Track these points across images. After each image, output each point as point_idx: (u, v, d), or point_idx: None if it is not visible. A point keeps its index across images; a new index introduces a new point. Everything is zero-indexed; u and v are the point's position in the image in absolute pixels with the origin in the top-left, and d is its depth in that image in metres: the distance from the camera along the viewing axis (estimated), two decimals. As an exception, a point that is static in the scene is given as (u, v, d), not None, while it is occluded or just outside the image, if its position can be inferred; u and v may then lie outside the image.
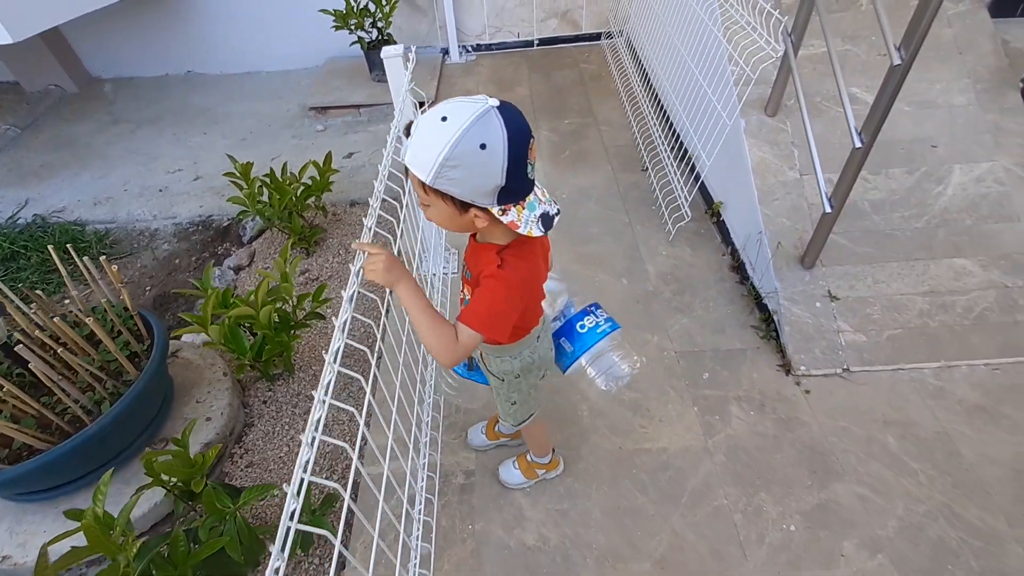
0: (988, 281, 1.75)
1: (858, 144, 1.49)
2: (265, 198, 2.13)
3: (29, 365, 1.23)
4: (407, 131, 0.80)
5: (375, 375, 1.01)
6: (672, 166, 2.43)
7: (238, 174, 2.07)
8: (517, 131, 0.75)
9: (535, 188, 0.84)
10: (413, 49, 1.52)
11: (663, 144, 2.57)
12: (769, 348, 1.78)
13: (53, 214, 2.65)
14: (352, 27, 3.09)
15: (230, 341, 1.54)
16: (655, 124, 2.72)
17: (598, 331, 1.15)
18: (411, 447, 1.28)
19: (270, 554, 1.38)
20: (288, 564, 1.37)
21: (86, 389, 1.37)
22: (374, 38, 3.20)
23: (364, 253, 0.94)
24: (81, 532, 1.04)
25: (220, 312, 1.55)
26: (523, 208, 0.82)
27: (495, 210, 0.80)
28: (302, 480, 0.68)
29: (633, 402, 1.66)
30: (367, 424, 1.19)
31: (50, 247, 1.44)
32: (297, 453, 1.65)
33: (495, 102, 0.75)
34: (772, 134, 2.02)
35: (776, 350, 1.77)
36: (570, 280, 2.03)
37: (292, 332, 1.65)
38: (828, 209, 1.64)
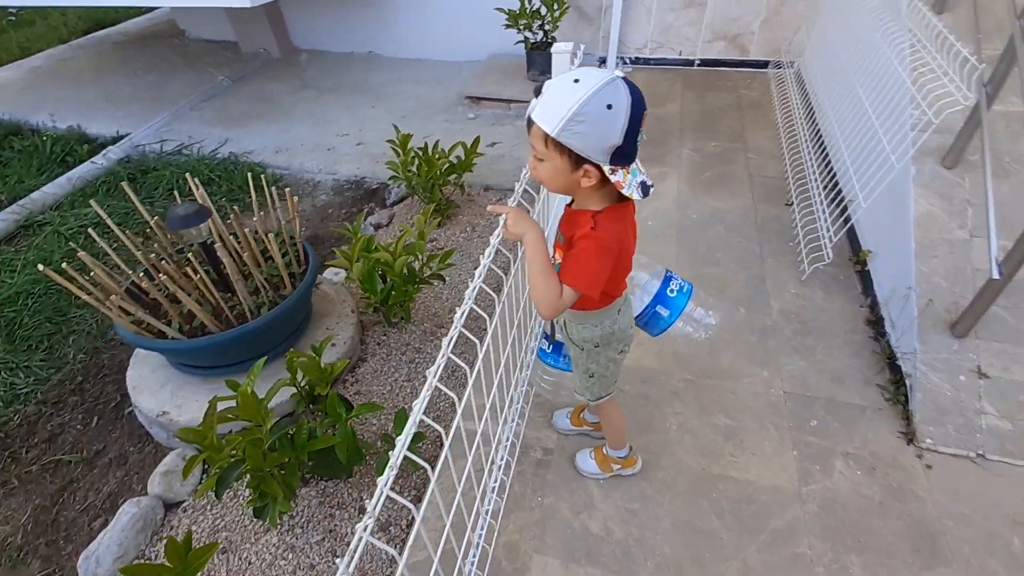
0: None
1: (1052, 207, 1.32)
2: (414, 168, 2.36)
3: (220, 265, 1.50)
4: (537, 92, 0.89)
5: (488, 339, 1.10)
6: (822, 204, 2.29)
7: (398, 143, 2.32)
8: (639, 99, 0.84)
9: (637, 159, 0.92)
10: (581, 48, 1.61)
11: (816, 180, 2.44)
12: (893, 412, 1.63)
13: (244, 154, 3.15)
14: (521, 27, 3.29)
15: (366, 281, 1.74)
16: (811, 159, 2.58)
17: (684, 291, 1.25)
18: (503, 412, 1.37)
19: (364, 462, 1.53)
20: (374, 481, 1.53)
21: (253, 293, 1.63)
22: (539, 39, 3.38)
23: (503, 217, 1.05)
24: (234, 402, 1.26)
25: (363, 255, 1.76)
26: (628, 172, 0.89)
27: (606, 168, 0.87)
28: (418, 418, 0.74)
29: (728, 429, 1.61)
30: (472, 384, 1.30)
31: (248, 174, 1.74)
32: (397, 394, 1.81)
33: (621, 73, 0.84)
34: (946, 187, 1.85)
35: (901, 416, 1.62)
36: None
37: (416, 286, 1.82)
38: (996, 275, 1.47)
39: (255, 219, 1.59)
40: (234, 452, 1.18)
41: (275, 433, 1.23)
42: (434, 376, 0.67)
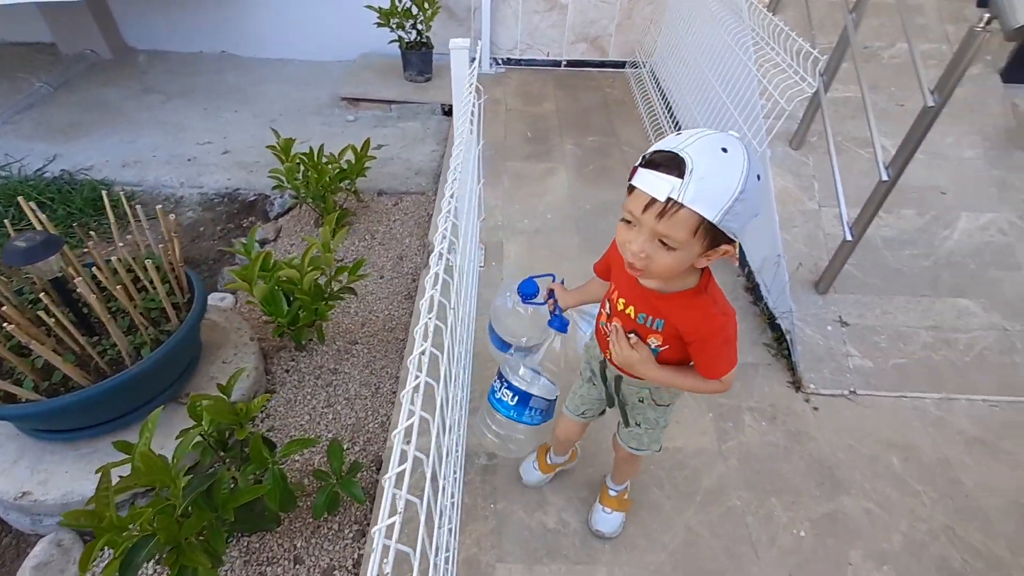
0: (989, 323, 1.86)
1: (885, 177, 1.59)
2: (302, 176, 2.17)
3: (79, 303, 1.24)
4: (652, 164, 0.72)
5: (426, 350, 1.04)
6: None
7: (279, 148, 2.11)
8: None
9: None
10: (480, 43, 1.59)
11: (685, 168, 2.68)
12: (780, 366, 1.86)
13: (80, 171, 2.65)
14: (394, 26, 3.18)
15: (270, 302, 1.56)
16: (678, 149, 2.83)
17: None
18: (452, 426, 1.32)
19: (298, 508, 1.37)
20: (309, 526, 1.38)
21: (127, 332, 1.38)
22: (413, 39, 3.30)
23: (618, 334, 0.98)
24: (128, 465, 1.05)
25: (261, 275, 1.58)
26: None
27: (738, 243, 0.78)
28: (403, 451, 0.65)
29: (651, 403, 1.71)
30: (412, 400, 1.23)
31: (104, 193, 1.46)
32: (317, 423, 1.66)
33: (735, 134, 0.73)
34: (795, 166, 2.14)
35: (787, 368, 1.84)
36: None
37: (328, 302, 1.68)
38: (849, 237, 1.74)
39: (121, 244, 1.34)
40: (139, 528, 0.98)
41: (190, 492, 1.05)
42: (408, 401, 0.61)
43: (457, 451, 1.40)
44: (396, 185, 2.72)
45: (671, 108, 3.13)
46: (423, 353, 0.64)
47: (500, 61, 3.93)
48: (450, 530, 1.21)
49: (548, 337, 1.26)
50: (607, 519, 1.38)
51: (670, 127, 3.01)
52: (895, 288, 1.91)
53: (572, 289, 1.24)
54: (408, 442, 0.55)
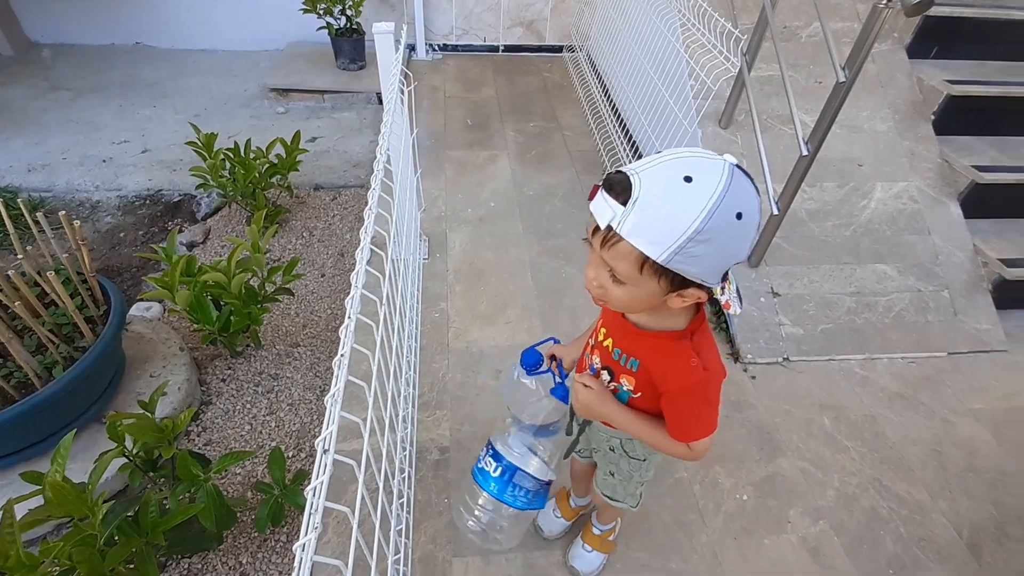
0: (904, 285, 1.99)
1: (805, 152, 1.66)
2: (228, 173, 2.06)
3: (-27, 322, 1.13)
4: (610, 186, 0.63)
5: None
6: (633, 171, 2.56)
7: (201, 144, 1.99)
8: (758, 193, 0.63)
9: None
10: (405, 28, 1.54)
11: (624, 151, 2.72)
12: (720, 338, 1.93)
13: (-24, 178, 2.42)
14: (321, 12, 3.05)
15: (195, 310, 1.48)
16: (616, 132, 2.87)
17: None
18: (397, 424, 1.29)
19: (241, 523, 1.32)
20: (255, 540, 1.33)
21: (36, 352, 1.27)
22: (343, 25, 3.17)
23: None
24: (40, 496, 0.97)
25: (185, 280, 1.49)
26: (729, 282, 0.69)
27: (717, 289, 0.67)
28: (324, 458, 0.61)
29: (599, 384, 1.74)
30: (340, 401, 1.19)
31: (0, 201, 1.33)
32: (259, 432, 1.60)
33: (733, 159, 0.61)
34: (725, 145, 2.20)
35: (726, 340, 1.91)
36: (538, 274, 2.12)
37: (260, 305, 1.60)
38: (775, 211, 1.81)
39: (21, 257, 1.23)
40: (57, 562, 0.91)
41: (111, 522, 0.98)
42: (337, 403, 0.59)
43: (405, 450, 1.38)
44: (334, 179, 2.63)
45: (608, 92, 3.16)
46: (343, 356, 0.62)
47: (437, 47, 3.84)
48: (400, 531, 1.19)
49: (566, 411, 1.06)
50: (585, 558, 1.27)
51: (609, 111, 3.04)
52: (821, 257, 2.01)
53: (574, 341, 1.07)
54: (327, 450, 0.53)
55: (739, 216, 0.60)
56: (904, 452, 1.62)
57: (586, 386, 0.87)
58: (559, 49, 3.94)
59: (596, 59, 3.49)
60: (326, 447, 0.53)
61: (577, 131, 3.06)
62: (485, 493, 1.04)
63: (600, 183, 0.65)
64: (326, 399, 0.58)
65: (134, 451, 1.19)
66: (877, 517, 1.47)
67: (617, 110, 2.98)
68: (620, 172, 0.63)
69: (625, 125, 2.84)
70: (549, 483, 1.09)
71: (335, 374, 0.62)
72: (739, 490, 1.50)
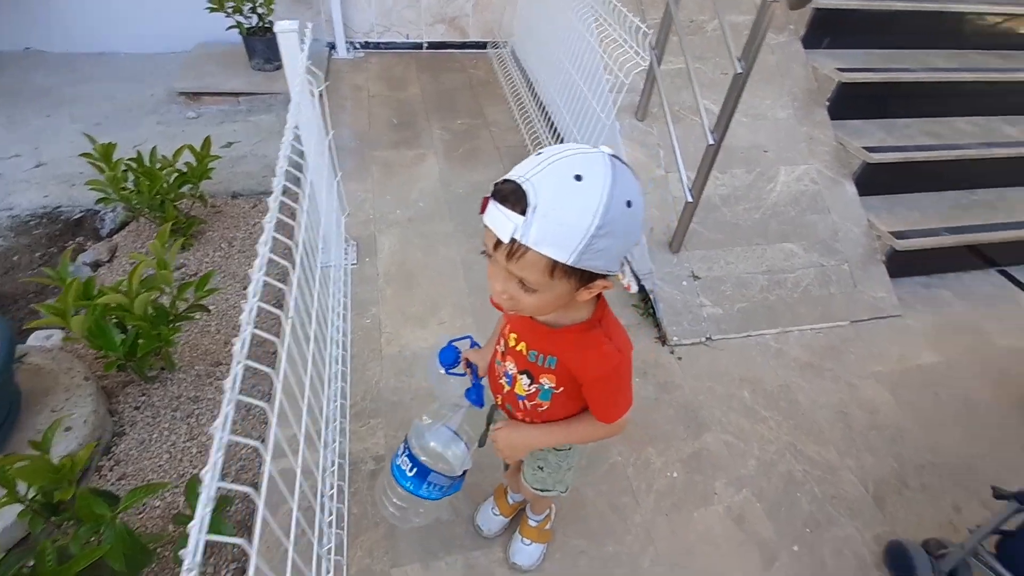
0: (809, 261, 2.14)
1: (711, 141, 1.75)
2: (131, 185, 1.93)
3: None
4: (501, 196, 0.63)
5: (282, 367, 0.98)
6: (558, 165, 2.60)
7: (97, 156, 1.85)
8: (636, 177, 0.64)
9: None
10: (310, 26, 1.49)
11: (550, 144, 2.76)
12: (648, 323, 2.00)
13: None
14: (230, 11, 2.90)
15: (96, 336, 1.38)
16: (542, 127, 2.90)
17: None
18: (321, 437, 1.26)
19: (157, 561, 1.26)
20: (177, 574, 1.26)
21: (-95, 397, 1.15)
22: (255, 24, 3.03)
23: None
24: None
25: (82, 304, 1.38)
26: (623, 265, 0.71)
27: (620, 275, 0.69)
28: (217, 488, 0.59)
29: (533, 378, 1.77)
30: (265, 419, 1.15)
31: None
32: (180, 460, 1.52)
33: (609, 150, 0.64)
34: (642, 136, 2.28)
35: (653, 324, 1.99)
36: (470, 272, 2.12)
37: (172, 325, 1.52)
38: (690, 199, 1.89)
39: None
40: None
41: (3, 574, 0.91)
42: (224, 430, 0.57)
43: (334, 466, 1.35)
44: (253, 185, 2.51)
45: (532, 87, 3.19)
46: (235, 378, 0.60)
47: (358, 45, 3.74)
48: (330, 549, 1.17)
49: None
50: (525, 551, 1.30)
51: (535, 106, 3.07)
52: (734, 240, 2.13)
53: (485, 346, 1.09)
54: (211, 477, 0.51)
55: (629, 204, 0.62)
56: (815, 417, 1.74)
57: (497, 430, 0.93)
58: (483, 45, 3.93)
59: (520, 55, 3.51)
60: (214, 477, 0.51)
61: (504, 127, 3.08)
62: (401, 487, 1.04)
63: (490, 195, 0.65)
64: (212, 427, 0.56)
65: (30, 496, 1.10)
66: (793, 480, 1.58)
67: (542, 105, 3.01)
68: (508, 181, 0.63)
69: (551, 119, 2.87)
70: (464, 473, 1.07)
71: (225, 396, 0.60)
72: (669, 468, 1.57)
